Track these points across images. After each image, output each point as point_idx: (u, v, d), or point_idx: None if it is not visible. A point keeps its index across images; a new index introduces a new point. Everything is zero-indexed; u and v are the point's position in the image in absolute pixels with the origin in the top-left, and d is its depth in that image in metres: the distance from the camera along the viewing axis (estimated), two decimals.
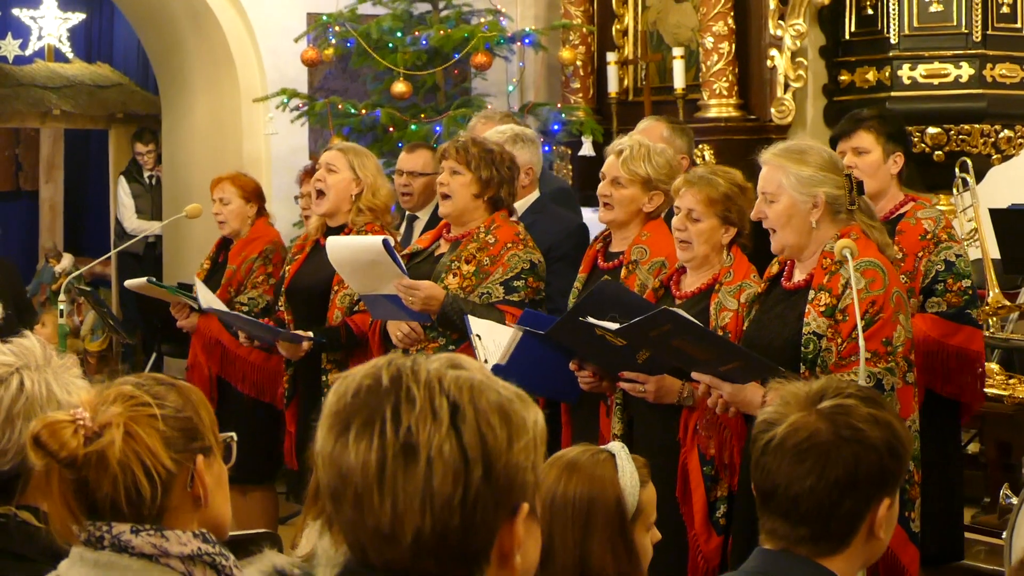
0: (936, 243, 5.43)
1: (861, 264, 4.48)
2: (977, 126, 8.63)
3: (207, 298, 6.63)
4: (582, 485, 3.29)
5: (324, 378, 6.31)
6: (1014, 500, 5.61)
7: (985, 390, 7.03)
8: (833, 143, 5.85)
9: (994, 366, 7.34)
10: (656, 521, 4.91)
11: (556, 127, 9.54)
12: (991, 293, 8.05)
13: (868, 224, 4.66)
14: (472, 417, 1.91)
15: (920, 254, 5.41)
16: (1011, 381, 7.14)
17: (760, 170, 4.77)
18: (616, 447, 3.40)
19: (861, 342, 4.21)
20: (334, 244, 5.93)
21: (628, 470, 3.33)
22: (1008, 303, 8.12)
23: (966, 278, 5.47)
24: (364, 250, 5.73)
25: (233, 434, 2.45)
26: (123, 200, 12.08)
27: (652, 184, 5.42)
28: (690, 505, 4.85)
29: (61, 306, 6.03)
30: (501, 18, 9.44)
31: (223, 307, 6.70)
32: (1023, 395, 7.07)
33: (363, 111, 9.24)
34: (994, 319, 8.29)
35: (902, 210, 5.56)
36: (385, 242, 5.63)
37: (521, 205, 6.32)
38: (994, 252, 8.25)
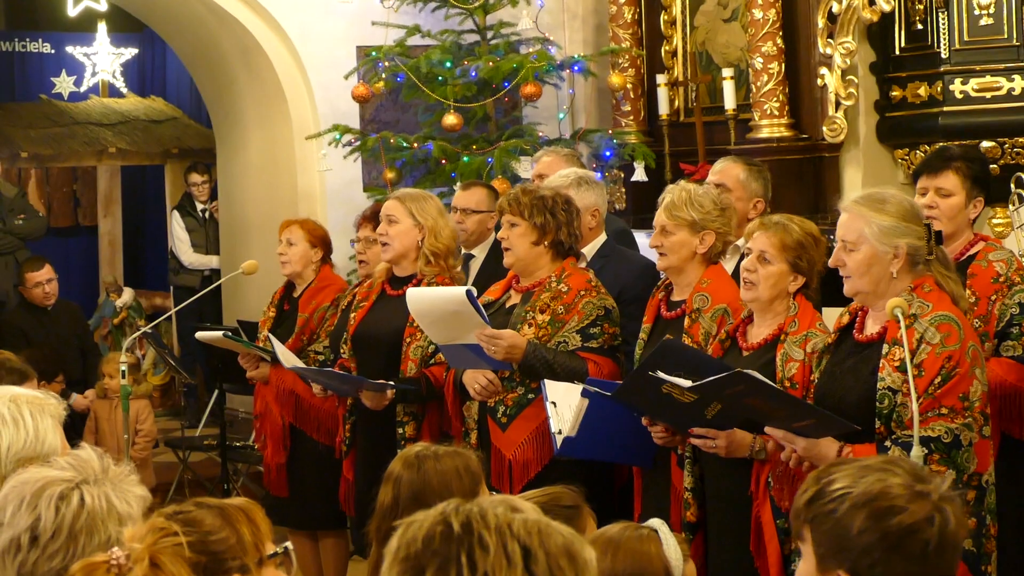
0: (1010, 286, 5.33)
1: (936, 318, 4.43)
2: None
3: (287, 358, 6.68)
4: (628, 561, 3.27)
5: (401, 430, 6.29)
6: None
7: None
8: (915, 176, 5.78)
9: None
10: (728, 573, 4.91)
11: (608, 153, 9.55)
12: None
13: (944, 275, 4.58)
14: (544, 560, 1.96)
15: (993, 297, 5.31)
16: None
17: (839, 216, 4.71)
18: (657, 523, 3.39)
19: (915, 406, 4.18)
20: (415, 295, 5.93)
21: (672, 544, 3.33)
22: None
23: None
24: (447, 300, 5.74)
25: (289, 544, 2.48)
26: (178, 235, 12.13)
27: (699, 225, 5.45)
28: (764, 558, 4.82)
29: (123, 367, 6.08)
30: (549, 46, 9.46)
31: (301, 364, 6.76)
32: None
33: (415, 144, 9.28)
34: None
35: (972, 251, 5.47)
36: (469, 292, 5.65)
37: (589, 250, 6.33)
38: None
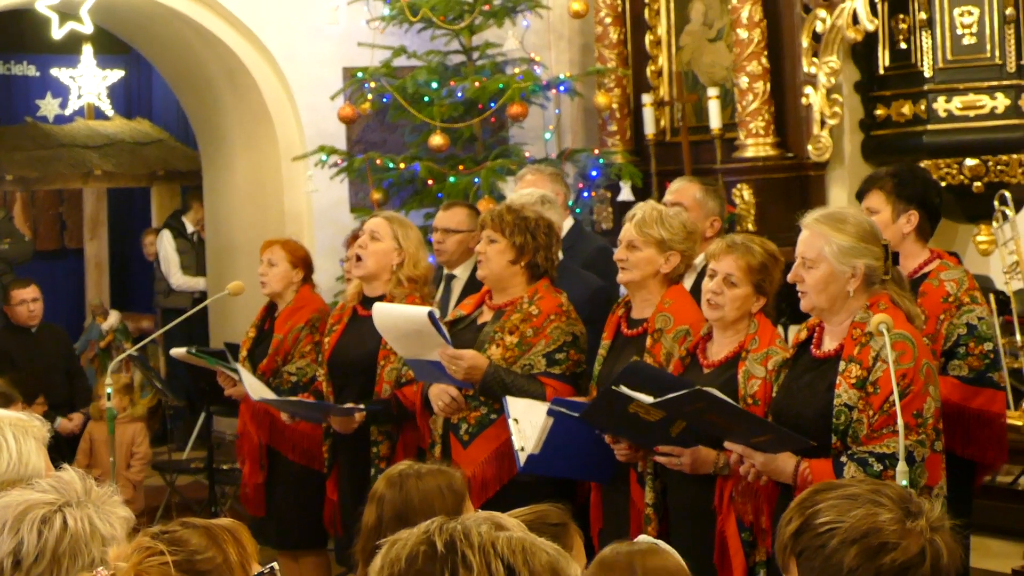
0: (959, 306, 5.43)
1: (892, 337, 4.49)
2: (1015, 156, 8.59)
3: (254, 387, 6.67)
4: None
5: (375, 449, 6.35)
6: None
7: None
8: (859, 201, 5.89)
9: None
10: None
11: (595, 173, 9.56)
12: None
13: (898, 294, 4.70)
14: None
15: (942, 317, 5.42)
16: None
17: (799, 232, 4.78)
18: (646, 540, 3.40)
19: (900, 423, 4.21)
20: (380, 311, 5.97)
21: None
22: None
23: (988, 341, 5.45)
24: (410, 320, 5.78)
25: (275, 564, 2.47)
26: (169, 256, 12.08)
27: (667, 245, 5.50)
28: (729, 571, 4.89)
29: (108, 389, 6.07)
30: (535, 66, 9.47)
31: (270, 394, 6.75)
32: None
33: (402, 165, 9.28)
34: None
35: (926, 269, 5.57)
36: (431, 314, 5.68)
37: None
38: None
